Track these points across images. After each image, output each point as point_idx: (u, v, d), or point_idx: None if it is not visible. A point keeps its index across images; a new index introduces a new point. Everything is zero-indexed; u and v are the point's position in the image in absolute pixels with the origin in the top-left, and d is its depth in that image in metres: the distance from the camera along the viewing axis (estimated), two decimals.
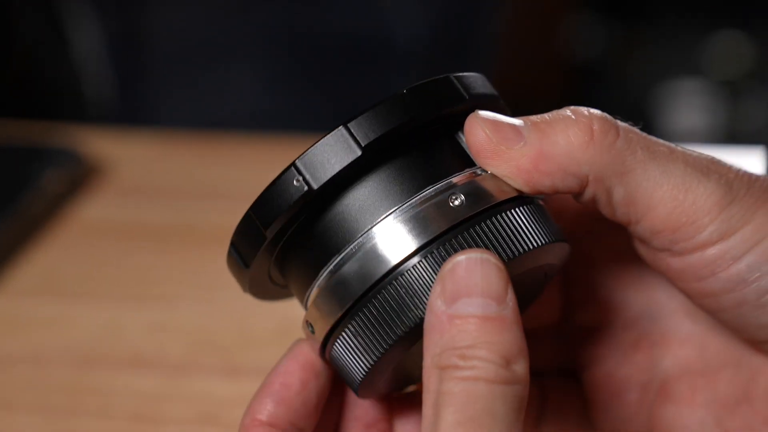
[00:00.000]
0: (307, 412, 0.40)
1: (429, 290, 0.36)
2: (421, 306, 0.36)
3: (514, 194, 0.37)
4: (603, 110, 0.38)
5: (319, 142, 0.37)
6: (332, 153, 0.36)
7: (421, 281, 0.36)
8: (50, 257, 0.70)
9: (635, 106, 1.76)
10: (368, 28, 1.07)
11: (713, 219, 0.37)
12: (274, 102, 1.07)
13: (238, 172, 0.80)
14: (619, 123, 0.38)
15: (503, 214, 0.37)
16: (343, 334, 0.37)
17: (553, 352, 0.45)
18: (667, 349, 0.43)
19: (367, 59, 1.08)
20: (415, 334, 0.36)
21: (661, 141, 0.38)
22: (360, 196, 0.37)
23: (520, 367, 0.34)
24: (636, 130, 0.38)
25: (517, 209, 0.37)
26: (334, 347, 0.38)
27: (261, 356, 0.59)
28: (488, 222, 0.36)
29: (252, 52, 1.06)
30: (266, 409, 0.40)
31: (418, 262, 0.36)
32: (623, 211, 0.38)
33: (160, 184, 0.79)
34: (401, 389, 0.42)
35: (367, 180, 0.37)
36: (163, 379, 0.58)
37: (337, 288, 0.37)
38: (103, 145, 0.82)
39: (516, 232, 0.37)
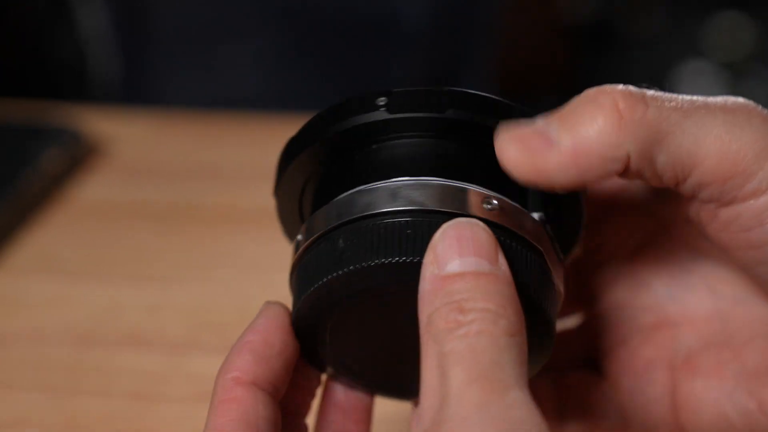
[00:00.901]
0: (286, 375, 0.39)
1: (419, 244, 0.35)
2: (402, 252, 0.35)
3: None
4: (615, 78, 0.37)
5: (414, 89, 0.37)
6: (418, 101, 0.37)
7: (419, 233, 0.35)
8: (49, 237, 0.70)
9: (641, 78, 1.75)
10: (371, 7, 1.07)
11: (762, 166, 0.36)
12: (277, 81, 1.07)
13: (238, 151, 0.80)
14: (645, 92, 0.37)
15: (525, 251, 0.37)
16: (322, 243, 0.37)
17: (572, 345, 0.45)
18: (690, 326, 0.42)
19: (370, 38, 1.07)
20: (382, 277, 0.36)
21: (693, 97, 0.37)
22: (415, 152, 0.37)
23: (519, 320, 0.34)
24: (664, 94, 0.37)
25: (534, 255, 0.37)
26: (305, 256, 0.38)
27: None
28: (513, 242, 0.36)
29: (255, 31, 1.06)
30: (249, 368, 0.38)
31: (430, 221, 0.36)
32: (669, 175, 0.37)
33: (160, 163, 0.79)
34: (372, 390, 0.42)
35: (431, 144, 0.37)
36: (162, 358, 0.58)
37: (344, 204, 0.37)
38: (103, 125, 0.81)
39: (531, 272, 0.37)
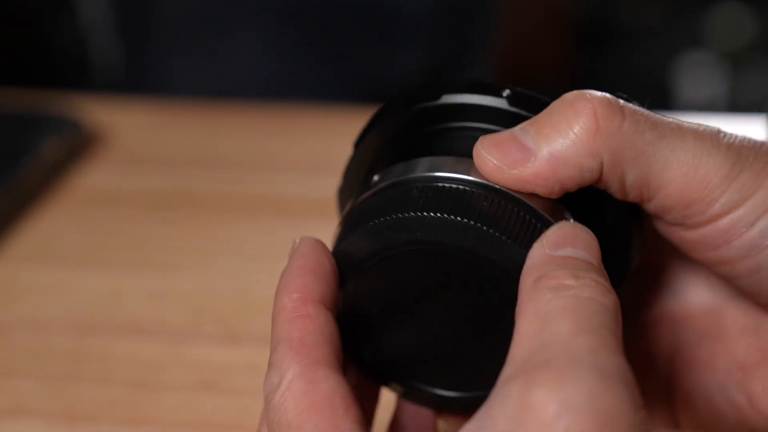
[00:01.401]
0: (335, 296, 0.39)
1: (490, 217, 0.36)
2: (471, 216, 0.36)
3: None
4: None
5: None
6: (538, 106, 0.38)
7: (494, 205, 0.36)
8: (49, 225, 0.70)
9: (643, 75, 1.75)
10: None
11: (724, 191, 0.37)
12: (281, 70, 1.07)
13: (238, 140, 0.80)
14: (624, 104, 0.37)
15: None
16: (398, 188, 0.38)
17: None
18: (688, 322, 0.43)
19: (372, 29, 1.07)
20: (446, 233, 0.36)
21: (667, 118, 0.38)
22: None
23: (617, 300, 0.34)
24: (641, 109, 0.38)
25: None
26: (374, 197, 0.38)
27: (261, 323, 0.59)
28: None
29: (258, 20, 1.06)
30: (313, 287, 0.37)
31: (506, 200, 0.37)
32: (635, 193, 0.38)
33: (161, 152, 0.79)
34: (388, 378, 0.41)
35: None
36: (162, 346, 0.58)
37: (431, 162, 0.38)
38: (104, 114, 0.81)
39: None
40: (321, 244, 0.39)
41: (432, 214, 0.36)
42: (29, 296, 0.63)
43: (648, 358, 0.43)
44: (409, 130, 0.40)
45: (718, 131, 0.38)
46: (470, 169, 0.37)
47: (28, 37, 1.15)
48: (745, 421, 0.41)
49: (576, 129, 0.37)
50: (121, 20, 1.11)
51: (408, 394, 0.41)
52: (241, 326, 0.59)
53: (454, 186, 0.36)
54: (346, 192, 0.43)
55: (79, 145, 0.77)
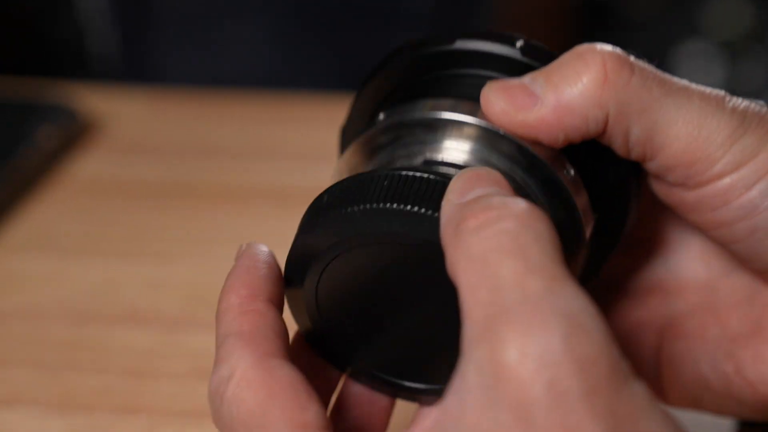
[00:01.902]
0: (282, 298, 0.38)
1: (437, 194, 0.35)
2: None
3: None
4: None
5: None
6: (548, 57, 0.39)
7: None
8: (45, 214, 0.70)
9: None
10: None
11: (726, 152, 0.38)
12: (280, 59, 1.06)
13: (236, 130, 0.80)
14: (633, 60, 0.38)
15: None
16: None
17: None
18: (681, 294, 0.43)
19: (373, 18, 1.07)
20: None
21: (675, 78, 0.38)
22: None
23: (545, 215, 0.33)
24: (650, 67, 0.38)
25: None
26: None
27: None
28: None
29: (258, 9, 1.06)
30: (261, 285, 0.37)
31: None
32: (639, 150, 0.38)
33: (158, 141, 0.79)
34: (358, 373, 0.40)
35: None
36: (158, 335, 0.58)
37: (423, 104, 0.39)
38: (100, 102, 0.81)
39: None
40: (267, 249, 0.39)
41: (395, 205, 0.35)
42: (25, 285, 0.63)
43: (638, 328, 0.44)
44: (419, 73, 0.41)
45: (725, 95, 0.38)
46: (475, 111, 0.38)
47: (26, 27, 1.15)
48: (732, 390, 0.41)
49: (584, 79, 0.37)
50: (119, 10, 1.11)
51: (371, 383, 0.40)
52: None
53: (418, 176, 0.35)
54: (349, 131, 0.43)
55: (75, 133, 0.77)
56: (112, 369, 0.55)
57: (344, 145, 0.43)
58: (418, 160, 0.38)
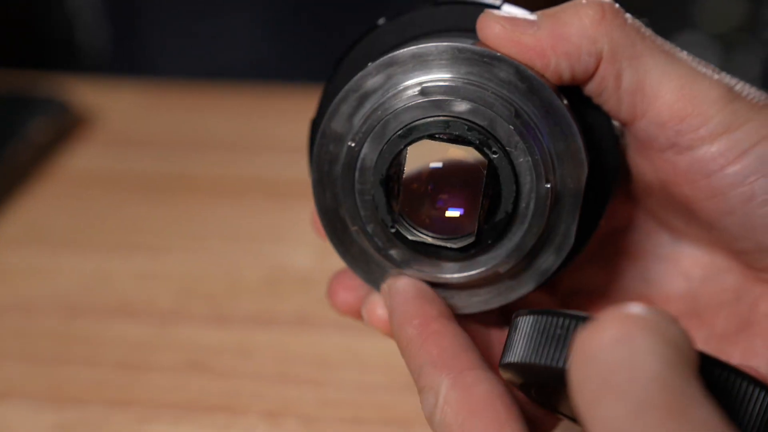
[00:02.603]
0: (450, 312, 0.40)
1: None
2: None
3: None
4: None
5: None
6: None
7: None
8: (37, 207, 0.70)
9: None
10: None
11: (719, 110, 0.38)
12: (272, 49, 1.06)
13: (228, 122, 0.80)
14: (630, 15, 0.39)
15: None
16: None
17: None
18: (663, 305, 0.43)
19: (363, 9, 1.07)
20: None
21: (667, 42, 0.39)
22: None
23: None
24: (643, 25, 0.39)
25: None
26: None
27: (249, 304, 0.59)
28: None
29: (248, 1, 1.05)
30: (429, 308, 0.38)
31: None
32: (629, 102, 0.38)
33: (149, 134, 0.79)
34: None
35: None
36: (151, 328, 0.58)
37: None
38: (92, 95, 0.81)
39: None
40: (405, 278, 0.39)
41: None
42: (17, 278, 0.63)
43: None
44: (398, 40, 0.41)
45: (714, 68, 0.39)
46: (468, 42, 0.38)
47: (16, 20, 1.14)
48: None
49: (582, 15, 0.38)
50: (109, 2, 1.10)
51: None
52: (230, 307, 0.59)
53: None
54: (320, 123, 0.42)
55: (67, 126, 0.77)
56: (105, 362, 0.55)
57: (312, 137, 0.43)
58: (413, 86, 0.38)
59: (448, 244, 0.38)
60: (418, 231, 0.38)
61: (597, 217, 0.41)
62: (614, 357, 0.29)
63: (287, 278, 0.61)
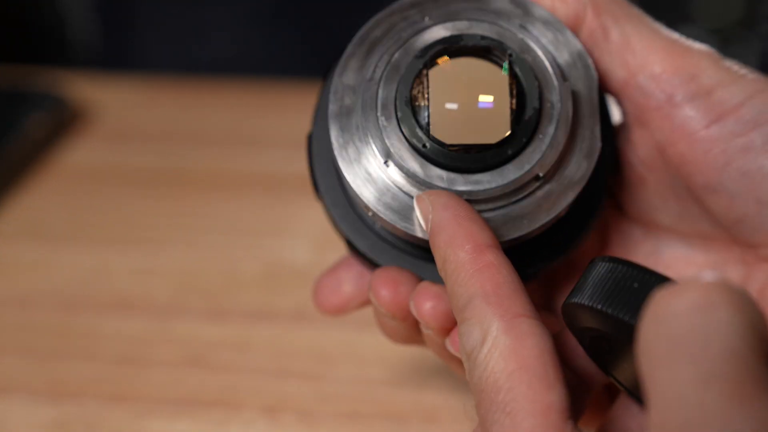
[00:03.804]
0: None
1: None
2: None
3: None
4: None
5: None
6: None
7: None
8: (35, 202, 0.70)
9: None
10: None
11: (710, 65, 0.39)
12: (262, 40, 1.06)
13: (224, 117, 0.80)
14: None
15: None
16: None
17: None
18: None
19: (354, 2, 1.07)
20: None
21: None
22: None
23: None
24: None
25: None
26: None
27: (247, 299, 0.59)
28: None
29: None
30: (482, 233, 0.37)
31: None
32: (621, 58, 0.40)
33: (146, 129, 0.79)
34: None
35: None
36: (149, 322, 0.58)
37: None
38: (88, 90, 0.81)
39: None
40: (449, 192, 0.38)
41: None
42: (15, 273, 0.62)
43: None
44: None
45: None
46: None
47: (6, 13, 1.14)
48: None
49: None
50: None
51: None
52: (228, 302, 0.59)
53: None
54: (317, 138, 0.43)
55: (63, 121, 0.77)
56: (103, 357, 0.55)
57: (311, 152, 0.43)
58: (420, 20, 0.41)
59: (487, 141, 0.39)
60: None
61: (599, 201, 0.41)
62: (692, 322, 0.28)
63: (285, 273, 0.61)
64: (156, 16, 1.07)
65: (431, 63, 0.39)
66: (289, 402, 0.52)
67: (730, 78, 0.38)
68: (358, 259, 0.43)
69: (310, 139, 0.43)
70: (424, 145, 0.39)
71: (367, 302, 0.44)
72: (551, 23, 0.40)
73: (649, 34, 0.40)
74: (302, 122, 0.79)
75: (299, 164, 0.73)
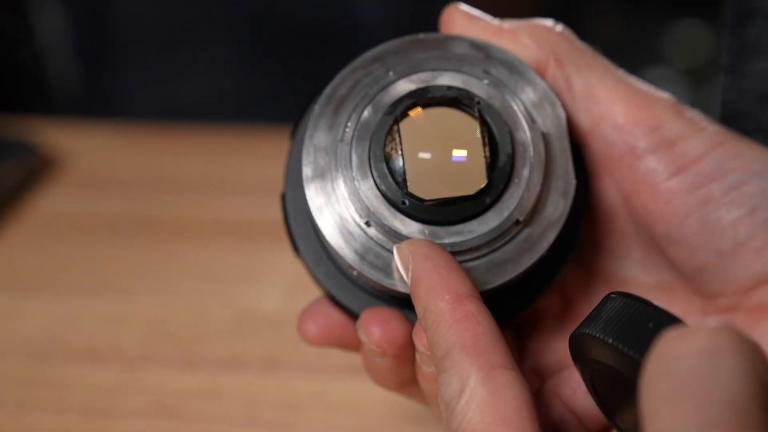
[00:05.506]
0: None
1: None
2: None
3: None
4: None
5: None
6: None
7: None
8: (5, 250, 0.69)
9: None
10: (334, 15, 1.07)
11: (672, 117, 0.39)
12: (241, 85, 1.06)
13: (197, 164, 0.80)
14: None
15: None
16: None
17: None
18: None
19: (333, 46, 1.07)
20: None
21: None
22: None
23: None
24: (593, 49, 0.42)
25: None
26: None
27: (218, 347, 0.59)
28: None
29: (218, 36, 1.06)
30: (460, 283, 0.37)
31: None
32: (585, 106, 0.40)
33: (118, 176, 0.79)
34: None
35: None
36: (118, 372, 0.57)
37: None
38: (62, 137, 0.81)
39: None
40: (431, 242, 0.39)
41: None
42: None
43: None
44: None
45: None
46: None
47: None
48: None
49: (537, 21, 0.42)
50: (79, 41, 1.10)
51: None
52: (198, 350, 0.59)
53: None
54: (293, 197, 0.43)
55: (35, 169, 0.77)
56: (72, 407, 0.55)
57: (288, 213, 0.43)
58: (384, 74, 0.41)
59: (465, 193, 0.39)
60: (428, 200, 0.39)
61: (576, 234, 0.42)
62: (698, 364, 0.29)
63: (256, 320, 0.61)
64: (136, 57, 1.08)
65: (402, 117, 0.39)
66: None
67: (691, 130, 0.39)
68: (343, 313, 0.43)
69: (284, 199, 0.43)
70: (403, 203, 0.39)
71: (348, 344, 0.44)
72: (513, 65, 0.41)
73: (612, 83, 0.40)
74: (275, 168, 0.79)
75: (271, 211, 0.73)
